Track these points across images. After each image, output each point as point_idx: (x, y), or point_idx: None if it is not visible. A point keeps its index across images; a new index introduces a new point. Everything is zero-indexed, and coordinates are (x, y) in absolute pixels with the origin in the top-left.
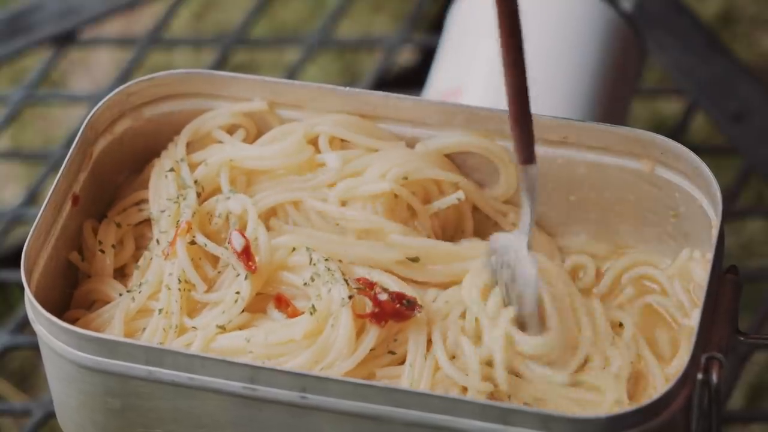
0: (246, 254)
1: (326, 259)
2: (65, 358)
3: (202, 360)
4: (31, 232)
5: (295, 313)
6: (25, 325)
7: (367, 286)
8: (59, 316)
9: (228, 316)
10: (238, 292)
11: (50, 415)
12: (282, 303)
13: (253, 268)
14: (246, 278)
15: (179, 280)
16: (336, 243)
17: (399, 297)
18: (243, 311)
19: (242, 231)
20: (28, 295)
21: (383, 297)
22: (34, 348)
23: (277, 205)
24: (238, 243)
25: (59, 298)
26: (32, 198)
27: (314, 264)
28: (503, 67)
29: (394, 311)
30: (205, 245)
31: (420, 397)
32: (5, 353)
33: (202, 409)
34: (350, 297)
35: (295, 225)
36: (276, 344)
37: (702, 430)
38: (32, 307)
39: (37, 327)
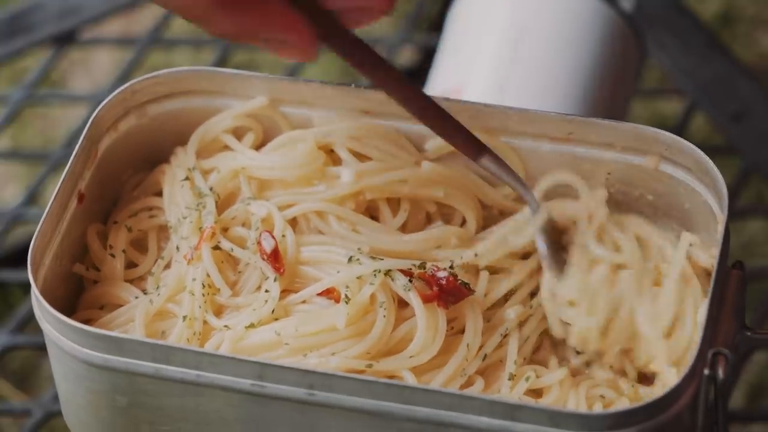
0: (274, 256)
1: (359, 250)
2: (72, 355)
3: (211, 357)
4: (37, 231)
5: (339, 299)
6: (25, 325)
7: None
8: (66, 312)
9: (258, 315)
10: (267, 291)
11: (50, 415)
12: (325, 291)
13: (281, 270)
14: (275, 280)
15: (203, 284)
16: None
17: (454, 276)
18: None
19: (270, 231)
20: (35, 292)
21: (442, 274)
22: (34, 348)
23: (300, 215)
24: (268, 244)
25: (65, 295)
26: (32, 198)
27: (356, 259)
28: (382, 87)
29: (454, 288)
30: (232, 249)
31: (427, 394)
32: (5, 353)
33: (210, 406)
34: (410, 281)
35: (319, 231)
36: (309, 334)
37: (708, 425)
38: (39, 305)
39: (44, 325)
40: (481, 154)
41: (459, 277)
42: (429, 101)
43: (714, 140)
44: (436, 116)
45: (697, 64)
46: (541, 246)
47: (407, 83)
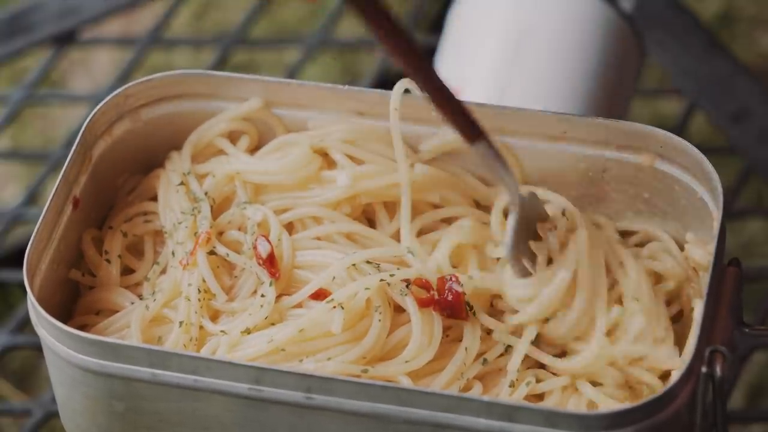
0: (270, 261)
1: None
2: (69, 361)
3: (207, 362)
4: (32, 236)
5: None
6: (25, 325)
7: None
8: (62, 317)
9: (254, 319)
10: (263, 296)
11: (50, 415)
12: (320, 296)
13: (277, 275)
14: (271, 284)
15: (199, 290)
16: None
17: (464, 294)
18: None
19: (266, 236)
20: (31, 298)
21: (457, 287)
22: (34, 348)
23: (296, 220)
24: (263, 249)
25: (62, 301)
26: (32, 198)
27: (354, 264)
28: (393, 56)
29: (457, 304)
30: (227, 255)
31: (425, 396)
32: (5, 353)
33: (207, 411)
34: (408, 286)
35: (315, 236)
36: (305, 339)
37: (706, 424)
38: (35, 311)
39: (40, 331)
40: (472, 140)
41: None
42: (435, 77)
43: (714, 140)
44: (439, 92)
45: (696, 64)
46: (509, 238)
47: (418, 55)
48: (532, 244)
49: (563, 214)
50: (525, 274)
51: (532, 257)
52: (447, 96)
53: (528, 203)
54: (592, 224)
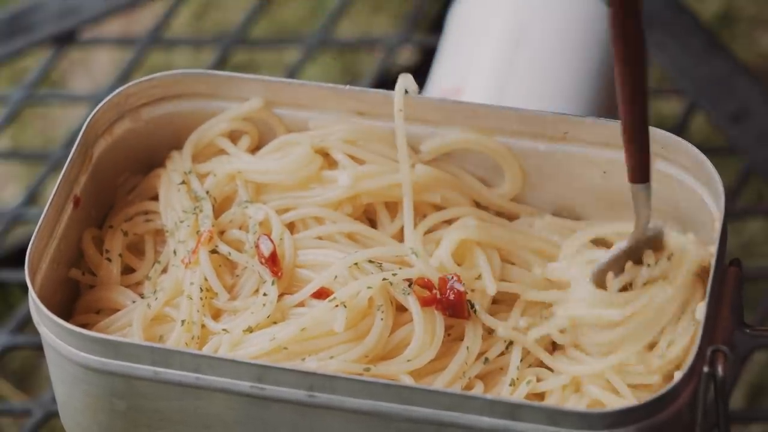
0: (272, 259)
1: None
2: (70, 359)
3: (210, 360)
4: (33, 235)
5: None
6: (25, 325)
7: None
8: (63, 317)
9: (256, 318)
10: (265, 294)
11: (50, 415)
12: (322, 294)
13: (279, 273)
14: (273, 283)
15: (201, 288)
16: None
17: (463, 295)
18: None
19: (268, 235)
20: (33, 296)
21: (459, 287)
22: (34, 348)
23: (298, 220)
24: (266, 248)
25: (62, 300)
26: (32, 198)
27: (356, 263)
28: (618, 77)
29: (458, 303)
30: (229, 253)
31: (428, 394)
32: (5, 353)
33: (209, 409)
34: (410, 285)
35: (317, 235)
36: (308, 338)
37: (708, 424)
38: (37, 309)
39: (42, 329)
40: (637, 180)
41: (470, 298)
42: (645, 111)
43: (714, 140)
44: (639, 125)
45: (696, 64)
46: (608, 256)
47: (643, 85)
48: (629, 265)
49: (669, 258)
50: (600, 285)
51: (619, 274)
52: (643, 132)
53: (650, 235)
54: (690, 278)
